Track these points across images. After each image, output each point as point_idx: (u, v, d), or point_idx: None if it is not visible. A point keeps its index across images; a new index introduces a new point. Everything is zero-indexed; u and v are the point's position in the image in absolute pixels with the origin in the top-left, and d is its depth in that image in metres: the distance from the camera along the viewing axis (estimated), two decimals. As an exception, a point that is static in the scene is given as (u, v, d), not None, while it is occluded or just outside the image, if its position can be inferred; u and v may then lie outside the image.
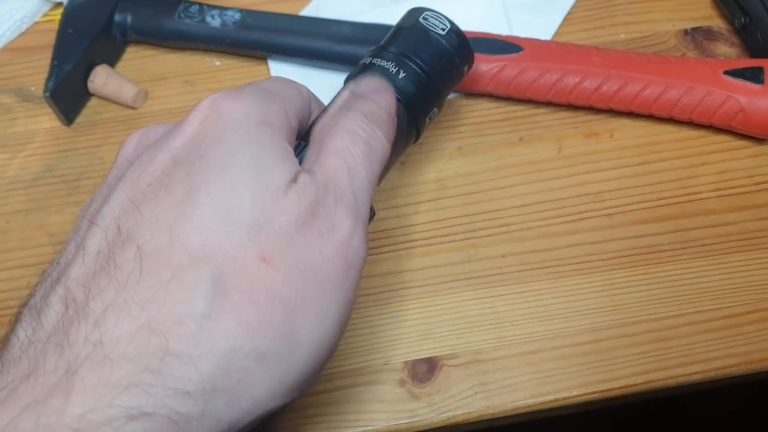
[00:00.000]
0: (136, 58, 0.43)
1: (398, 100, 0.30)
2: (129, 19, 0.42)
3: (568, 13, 0.43)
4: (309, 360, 0.23)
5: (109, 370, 0.20)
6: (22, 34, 0.44)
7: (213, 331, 0.21)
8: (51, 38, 0.41)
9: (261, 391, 0.22)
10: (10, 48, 0.44)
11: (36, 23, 0.44)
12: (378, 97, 0.29)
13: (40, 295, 0.24)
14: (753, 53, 0.41)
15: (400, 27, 0.32)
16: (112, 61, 0.42)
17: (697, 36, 0.42)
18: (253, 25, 0.41)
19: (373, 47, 0.32)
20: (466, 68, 0.33)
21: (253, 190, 0.23)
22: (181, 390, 0.21)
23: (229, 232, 0.23)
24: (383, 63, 0.31)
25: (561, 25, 0.42)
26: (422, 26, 0.32)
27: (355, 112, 0.27)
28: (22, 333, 0.22)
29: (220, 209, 0.23)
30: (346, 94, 0.29)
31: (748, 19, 0.40)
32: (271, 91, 0.27)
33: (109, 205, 0.24)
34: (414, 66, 0.31)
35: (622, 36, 0.42)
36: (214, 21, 0.41)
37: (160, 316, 0.21)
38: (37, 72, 0.42)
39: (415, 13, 0.33)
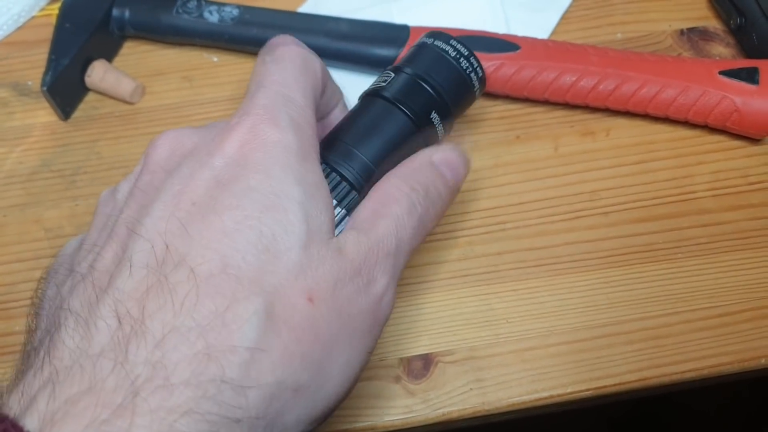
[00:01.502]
0: (134, 53, 0.43)
1: (409, 118, 0.30)
2: (127, 14, 0.42)
3: (566, 12, 0.43)
4: (334, 396, 0.24)
5: (169, 394, 0.21)
6: (20, 28, 0.44)
7: (263, 362, 0.22)
8: (48, 32, 0.41)
9: (293, 420, 0.23)
10: (7, 42, 0.44)
11: (33, 17, 0.44)
12: (450, 172, 0.30)
13: (82, 300, 0.23)
14: (748, 54, 0.41)
15: (417, 48, 0.33)
16: (109, 56, 0.42)
17: (693, 36, 0.42)
18: (251, 21, 0.41)
19: (390, 66, 0.33)
20: (478, 92, 0.34)
21: (302, 234, 0.24)
22: (233, 418, 0.21)
23: (279, 271, 0.23)
24: (397, 83, 0.31)
25: (558, 24, 0.42)
26: (438, 50, 0.32)
27: (420, 187, 0.28)
28: (69, 341, 0.22)
29: (271, 249, 0.23)
30: (424, 159, 0.29)
31: (743, 20, 0.40)
32: (295, 100, 0.27)
33: (151, 217, 0.24)
34: (428, 87, 0.31)
35: (619, 35, 0.42)
36: (212, 17, 0.41)
37: (216, 343, 0.22)
38: (34, 66, 0.42)
39: (433, 36, 0.33)
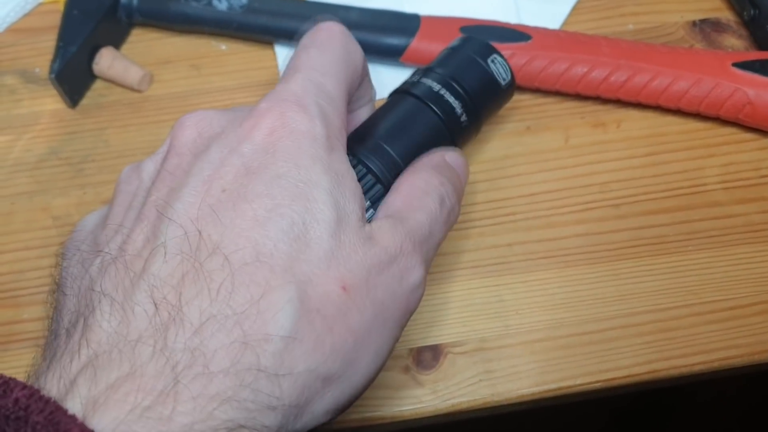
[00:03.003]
0: (142, 40, 0.43)
1: (440, 118, 0.31)
2: (135, 0, 0.41)
3: (577, 3, 0.42)
4: (360, 386, 0.25)
5: (209, 381, 0.21)
6: (27, 14, 0.44)
7: (295, 351, 0.22)
8: (56, 19, 0.40)
9: (321, 408, 0.23)
10: (15, 29, 0.43)
11: (41, 4, 0.44)
12: (462, 174, 0.31)
13: (115, 283, 0.23)
14: (761, 46, 0.41)
15: (451, 50, 0.33)
16: (117, 43, 0.42)
17: (706, 28, 0.42)
18: (260, 9, 0.41)
19: (422, 67, 0.33)
20: (507, 97, 0.34)
21: (331, 222, 0.24)
22: (268, 405, 0.22)
23: (311, 259, 0.23)
24: (429, 83, 0.31)
25: (569, 15, 0.42)
26: (472, 53, 0.33)
27: (448, 182, 0.29)
28: (106, 324, 0.22)
29: (303, 237, 0.24)
30: (440, 159, 0.30)
31: (757, 12, 0.40)
32: (328, 89, 0.27)
33: (181, 202, 0.24)
34: (459, 89, 0.31)
35: (631, 26, 0.42)
36: (221, 4, 0.41)
37: (252, 332, 0.22)
38: (41, 53, 0.42)
39: (467, 41, 0.33)
